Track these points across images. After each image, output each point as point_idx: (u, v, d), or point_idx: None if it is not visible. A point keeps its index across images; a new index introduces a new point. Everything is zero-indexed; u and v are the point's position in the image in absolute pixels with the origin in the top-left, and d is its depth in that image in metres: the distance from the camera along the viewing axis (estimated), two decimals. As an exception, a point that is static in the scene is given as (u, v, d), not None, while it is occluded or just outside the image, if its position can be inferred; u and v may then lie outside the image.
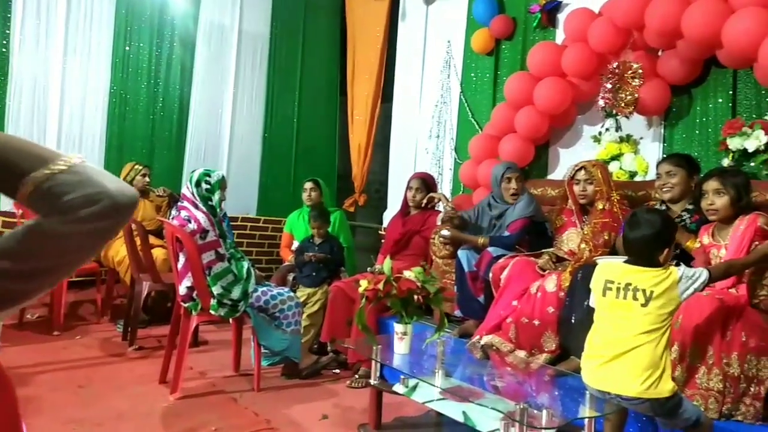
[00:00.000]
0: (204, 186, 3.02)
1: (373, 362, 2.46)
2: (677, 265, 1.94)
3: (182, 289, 3.00)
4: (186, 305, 3.01)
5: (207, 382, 3.20)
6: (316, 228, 3.84)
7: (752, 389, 2.06)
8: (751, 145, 2.99)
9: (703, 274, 1.85)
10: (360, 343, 2.89)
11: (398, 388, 2.39)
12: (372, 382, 2.48)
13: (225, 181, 3.13)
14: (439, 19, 5.09)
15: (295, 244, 4.26)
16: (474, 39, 4.53)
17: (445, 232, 3.42)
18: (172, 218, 3.01)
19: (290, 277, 4.00)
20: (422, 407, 2.47)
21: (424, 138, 5.08)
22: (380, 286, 2.40)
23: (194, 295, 2.98)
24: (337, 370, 3.43)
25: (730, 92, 3.23)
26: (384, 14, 5.57)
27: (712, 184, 2.38)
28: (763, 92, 3.09)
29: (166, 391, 2.97)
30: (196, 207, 2.98)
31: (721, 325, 2.08)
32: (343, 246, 3.97)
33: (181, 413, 2.75)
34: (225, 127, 5.65)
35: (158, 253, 4.02)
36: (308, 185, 4.35)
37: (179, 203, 3.06)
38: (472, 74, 4.72)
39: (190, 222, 2.93)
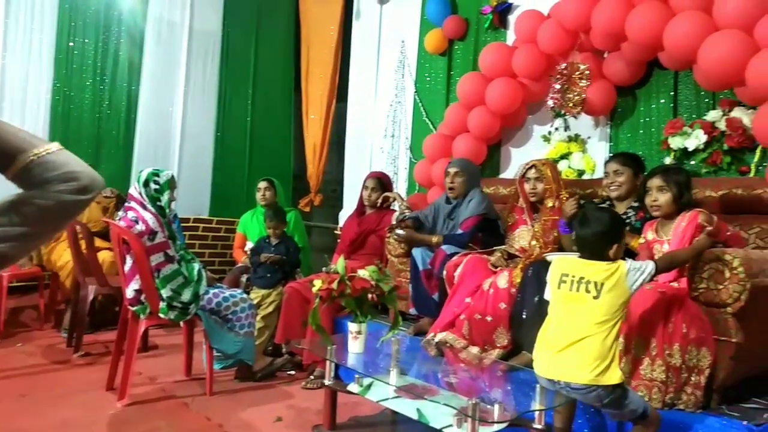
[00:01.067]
0: (153, 186, 2.94)
1: (328, 362, 2.45)
2: (623, 259, 2.00)
3: (130, 293, 2.91)
4: (134, 309, 2.93)
5: (157, 387, 3.12)
6: (273, 228, 3.78)
7: (693, 379, 2.14)
8: (691, 144, 3.11)
9: (649, 266, 1.91)
10: (315, 343, 2.86)
11: (353, 387, 2.38)
12: (326, 382, 2.46)
13: (175, 181, 3.06)
14: (392, 19, 5.10)
15: (249, 245, 4.19)
16: (427, 39, 4.57)
17: (400, 232, 3.43)
18: (119, 219, 2.91)
19: (243, 278, 3.93)
20: (378, 406, 2.47)
21: (379, 137, 5.08)
22: (334, 285, 2.39)
23: (142, 298, 2.89)
24: (292, 372, 3.40)
25: (672, 93, 3.35)
26: (338, 13, 5.56)
27: (655, 182, 2.46)
28: (702, 93, 3.21)
29: (114, 398, 2.87)
30: (144, 207, 2.90)
31: (663, 318, 2.15)
32: (299, 247, 3.92)
33: (129, 420, 2.67)
34: (176, 126, 5.53)
35: (105, 256, 3.89)
36: (262, 184, 4.29)
37: (126, 203, 2.97)
38: (426, 74, 4.75)
39: (137, 223, 2.84)
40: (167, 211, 2.95)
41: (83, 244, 3.70)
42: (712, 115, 3.08)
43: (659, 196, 2.44)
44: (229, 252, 5.11)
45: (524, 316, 2.61)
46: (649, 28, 2.94)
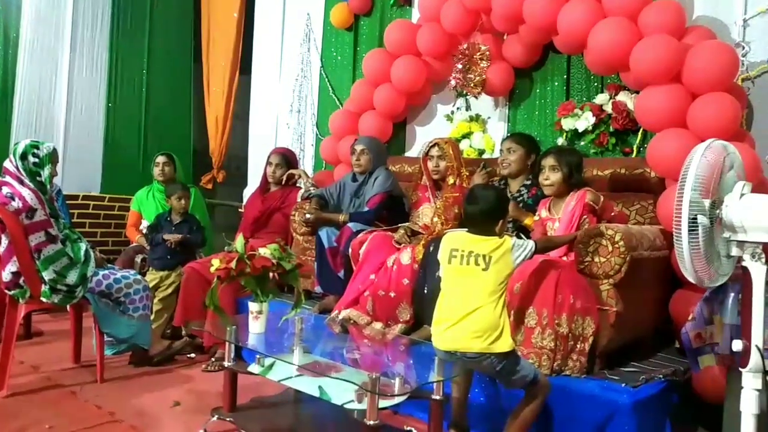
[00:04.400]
0: (31, 159, 2.70)
1: (227, 343, 2.38)
2: (518, 237, 2.09)
3: (6, 275, 2.67)
4: (11, 293, 2.69)
5: (41, 376, 2.90)
6: (180, 201, 3.58)
7: (578, 346, 2.28)
8: (581, 125, 3.29)
9: (530, 244, 2.05)
10: (216, 324, 2.77)
11: (253, 368, 2.34)
12: (226, 364, 2.39)
13: (56, 154, 2.82)
14: (297, -10, 4.96)
15: (144, 224, 3.97)
16: (333, 13, 4.48)
17: (307, 216, 3.38)
18: (-8, 196, 2.65)
19: (138, 258, 3.72)
20: (281, 386, 2.44)
21: (285, 112, 4.96)
22: (233, 264, 2.31)
23: (21, 281, 2.67)
24: (192, 355, 3.28)
25: (565, 76, 3.51)
26: (241, -21, 5.33)
27: (548, 161, 2.59)
28: (592, 77, 3.39)
29: (-9, 390, 2.65)
30: (22, 183, 2.66)
31: (554, 289, 2.28)
32: (202, 226, 3.75)
33: (9, 413, 2.47)
34: (60, 96, 5.11)
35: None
36: (161, 159, 4.07)
37: (0, 178, 2.70)
38: (332, 49, 4.68)
39: (13, 200, 2.60)
40: (48, 187, 2.73)
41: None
42: (600, 99, 3.27)
43: (551, 175, 2.57)
44: (123, 231, 4.83)
45: (426, 291, 2.67)
46: (544, 12, 3.04)
